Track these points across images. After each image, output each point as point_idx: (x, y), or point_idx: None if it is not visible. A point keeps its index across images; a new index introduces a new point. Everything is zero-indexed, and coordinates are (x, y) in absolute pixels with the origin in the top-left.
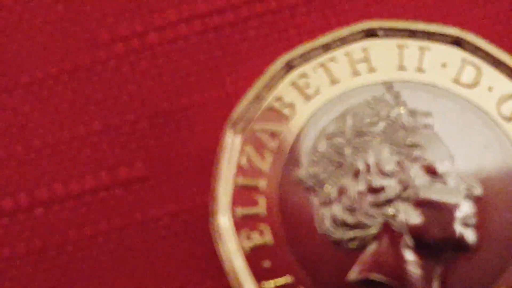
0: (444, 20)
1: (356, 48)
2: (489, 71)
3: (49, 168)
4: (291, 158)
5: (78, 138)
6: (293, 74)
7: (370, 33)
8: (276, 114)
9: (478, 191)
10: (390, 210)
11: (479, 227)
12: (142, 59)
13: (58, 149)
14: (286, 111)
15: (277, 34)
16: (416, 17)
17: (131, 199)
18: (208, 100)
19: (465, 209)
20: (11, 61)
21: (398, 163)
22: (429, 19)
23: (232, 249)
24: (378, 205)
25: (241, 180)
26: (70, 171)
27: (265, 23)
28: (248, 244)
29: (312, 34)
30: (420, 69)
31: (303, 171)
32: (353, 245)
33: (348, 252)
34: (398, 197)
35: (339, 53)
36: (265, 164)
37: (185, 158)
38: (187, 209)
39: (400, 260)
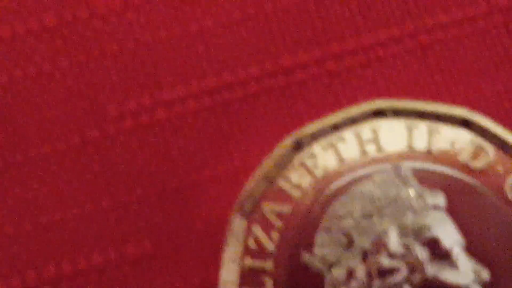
0: (453, 98)
1: (365, 128)
2: (497, 154)
3: (57, 245)
4: (299, 240)
5: (86, 215)
6: (302, 154)
7: (379, 113)
8: (284, 195)
9: (485, 275)
10: None
11: None
12: (150, 134)
13: (66, 226)
14: (293, 191)
15: (286, 110)
16: (424, 95)
17: (138, 277)
18: (216, 176)
19: None
20: (20, 136)
21: (406, 245)
22: (437, 97)
23: None
24: None
25: (248, 262)
26: (78, 248)
27: (274, 99)
28: None
29: (320, 110)
30: (428, 151)
31: (311, 254)
32: None
33: None
34: (406, 281)
35: (347, 132)
36: (272, 245)
37: (193, 235)
38: None
39: None
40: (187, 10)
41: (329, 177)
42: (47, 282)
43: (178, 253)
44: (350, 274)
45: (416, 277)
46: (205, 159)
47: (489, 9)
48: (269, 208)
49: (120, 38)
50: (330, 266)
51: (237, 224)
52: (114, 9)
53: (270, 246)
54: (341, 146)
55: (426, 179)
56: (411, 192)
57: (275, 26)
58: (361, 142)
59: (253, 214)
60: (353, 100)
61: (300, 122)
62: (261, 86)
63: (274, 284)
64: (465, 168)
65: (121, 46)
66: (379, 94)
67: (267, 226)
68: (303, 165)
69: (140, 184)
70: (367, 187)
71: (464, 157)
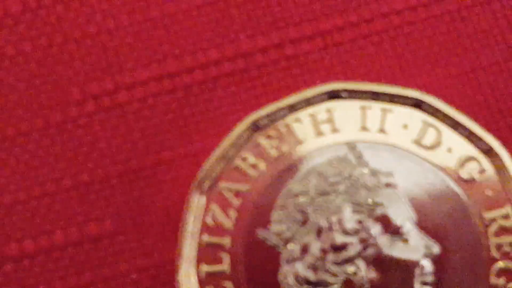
0: (407, 82)
1: (320, 109)
2: (448, 133)
3: (19, 224)
4: (255, 217)
5: (48, 195)
6: (259, 135)
7: (334, 95)
8: (241, 174)
9: (436, 249)
10: (351, 268)
11: (436, 286)
12: (112, 117)
13: (29, 206)
14: (250, 171)
15: (245, 93)
16: (379, 78)
17: (100, 255)
18: (176, 157)
19: (424, 267)
20: None
21: (360, 221)
22: (392, 81)
23: None
24: (340, 263)
25: (206, 238)
26: (40, 227)
27: (233, 83)
28: None
29: (278, 94)
30: (382, 131)
31: (267, 230)
32: None
33: None
34: (359, 255)
35: (303, 114)
36: (229, 222)
37: (153, 214)
38: (155, 265)
39: None
40: None
41: (284, 157)
42: (9, 260)
43: (139, 231)
44: (305, 249)
45: (369, 252)
46: (166, 140)
47: None
48: (226, 186)
49: (83, 23)
50: (286, 242)
51: (196, 201)
52: None
53: (227, 223)
54: (296, 127)
55: (379, 158)
56: (365, 171)
57: (235, 11)
58: (316, 123)
59: (211, 192)
60: (310, 83)
61: (258, 105)
62: (220, 70)
63: (231, 260)
64: (417, 146)
65: (83, 31)
66: (336, 78)
67: (225, 204)
68: (259, 145)
69: (101, 164)
70: (322, 165)
71: (416, 136)
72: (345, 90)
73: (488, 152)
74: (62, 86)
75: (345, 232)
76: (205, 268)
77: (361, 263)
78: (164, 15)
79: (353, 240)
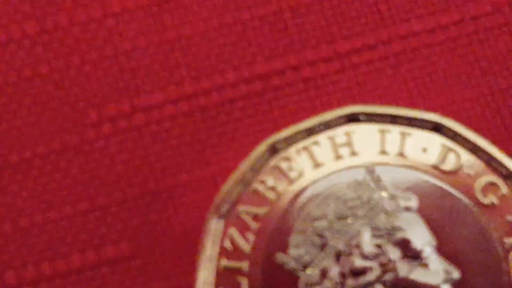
0: (425, 105)
1: (339, 132)
2: (468, 157)
3: (37, 247)
4: (274, 241)
5: (65, 218)
6: (277, 158)
7: (353, 118)
8: (259, 197)
9: (456, 275)
10: None
11: None
12: (129, 139)
13: (46, 229)
14: (269, 194)
15: (262, 115)
16: (397, 101)
17: (117, 279)
18: (193, 180)
19: None
20: (0, 141)
21: (379, 246)
22: (411, 104)
23: None
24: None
25: (224, 262)
26: (57, 250)
27: (250, 105)
28: None
29: (295, 116)
30: (401, 154)
31: (286, 254)
32: None
33: None
34: (379, 280)
35: (322, 137)
36: (247, 246)
37: (170, 238)
38: None
39: None
40: (165, 18)
41: (303, 180)
42: (26, 283)
43: (156, 255)
44: (324, 274)
45: (388, 277)
46: (183, 163)
47: (461, 17)
48: (245, 210)
49: (100, 46)
50: (305, 266)
51: (214, 225)
52: (94, 17)
53: (246, 247)
54: (315, 150)
55: (399, 182)
56: (384, 194)
57: (252, 34)
58: (335, 146)
59: (229, 216)
60: (328, 106)
61: (276, 127)
62: (237, 92)
63: (250, 284)
64: (437, 170)
65: (100, 53)
66: (354, 100)
67: (243, 228)
68: (278, 168)
69: (118, 187)
70: (341, 189)
71: (435, 160)
72: (364, 113)
73: (508, 176)
74: (79, 108)
75: (364, 257)
76: None
77: None
78: (181, 37)
79: (372, 264)
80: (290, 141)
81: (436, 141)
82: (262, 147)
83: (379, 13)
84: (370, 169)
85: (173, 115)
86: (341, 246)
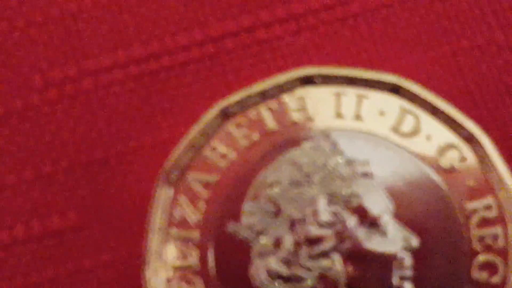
0: (384, 66)
1: (293, 96)
2: (427, 119)
3: None
4: (226, 209)
5: (8, 187)
6: (229, 123)
7: (307, 80)
8: (210, 164)
9: (415, 242)
10: (326, 262)
11: (415, 280)
12: (76, 104)
13: None
14: (220, 161)
15: (215, 79)
16: (355, 63)
17: (63, 249)
18: (143, 147)
19: (402, 261)
20: None
21: (335, 213)
22: (369, 65)
23: None
24: (314, 257)
25: (174, 232)
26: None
27: (202, 68)
28: None
29: (250, 80)
30: (358, 118)
31: (238, 222)
32: None
33: None
34: (335, 249)
35: (275, 101)
36: (198, 215)
37: (119, 207)
38: (121, 260)
39: None
40: None
41: (256, 147)
42: None
43: (105, 224)
44: (278, 243)
45: (345, 246)
46: (132, 129)
47: None
48: (195, 177)
49: (44, 7)
50: (257, 235)
51: (163, 193)
52: None
53: (196, 216)
54: (268, 115)
55: (355, 147)
56: (340, 160)
57: None
58: (289, 111)
59: (179, 184)
60: (284, 69)
61: (229, 92)
62: (189, 55)
63: (201, 254)
64: (395, 134)
65: (45, 14)
66: (310, 63)
67: (193, 196)
68: (230, 134)
69: (65, 155)
70: (295, 155)
71: (393, 123)
72: (319, 76)
73: (469, 139)
74: (23, 72)
75: (320, 225)
76: (173, 263)
77: (336, 257)
78: None
79: (328, 232)
80: (243, 105)
81: (394, 103)
82: (213, 112)
83: None
84: (325, 134)
85: (122, 79)
86: (295, 213)
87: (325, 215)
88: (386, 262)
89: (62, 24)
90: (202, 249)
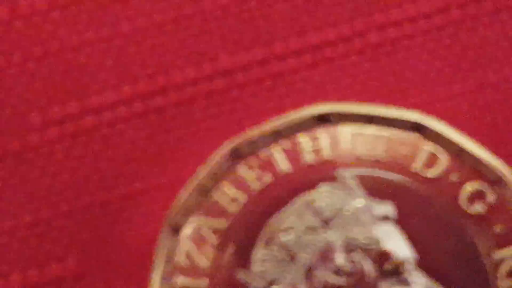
0: (405, 102)
1: (308, 135)
2: (452, 161)
3: None
4: (236, 256)
5: (5, 233)
6: (239, 165)
7: (323, 118)
8: (219, 209)
9: None
10: None
11: None
12: (77, 144)
13: None
14: (230, 205)
15: (225, 116)
16: (374, 99)
17: None
18: (148, 189)
19: None
20: None
21: (353, 260)
22: (389, 101)
23: None
24: None
25: (181, 280)
26: None
27: (212, 104)
28: None
29: (262, 117)
30: (377, 159)
31: (249, 271)
32: None
33: None
34: None
35: (289, 141)
36: (206, 262)
37: (122, 253)
38: None
39: None
40: (117, 9)
41: (268, 190)
42: None
43: (106, 272)
44: None
45: None
46: (137, 170)
47: (445, 3)
48: (203, 222)
49: (44, 40)
50: (270, 284)
51: (168, 239)
52: (38, 8)
53: (204, 263)
54: (281, 156)
55: (374, 189)
56: (358, 203)
57: (213, 25)
58: (303, 151)
59: (185, 230)
60: (298, 104)
61: (240, 129)
62: (197, 90)
63: None
64: (417, 176)
65: (45, 48)
66: (327, 98)
67: (201, 242)
68: (240, 176)
69: (64, 198)
70: (310, 199)
71: (416, 164)
72: (336, 113)
73: (497, 182)
74: (21, 110)
75: (337, 272)
76: None
77: None
78: (135, 30)
79: (346, 281)
80: (254, 145)
81: (417, 143)
82: (222, 152)
83: (354, 1)
84: (341, 175)
85: (126, 116)
86: (311, 260)
87: (342, 262)
88: None
89: (62, 58)
90: None
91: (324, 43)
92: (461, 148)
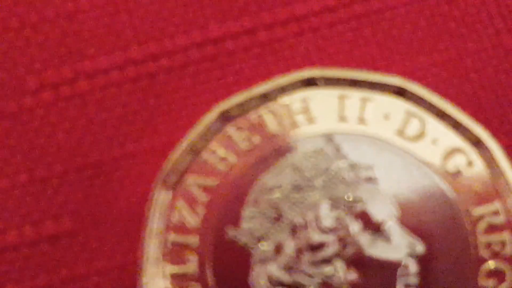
0: (389, 69)
1: (295, 98)
2: (433, 123)
3: None
4: (225, 214)
5: (1, 191)
6: (229, 126)
7: (310, 82)
8: (209, 168)
9: (420, 248)
10: (328, 269)
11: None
12: (71, 107)
13: None
14: (220, 164)
15: (215, 81)
16: (359, 66)
17: (57, 256)
18: (140, 151)
19: (407, 267)
20: None
21: (338, 219)
22: (373, 68)
23: None
24: (316, 263)
25: (172, 237)
26: None
27: (202, 70)
28: None
29: (250, 82)
30: (362, 121)
31: (238, 228)
32: None
33: None
34: (338, 255)
35: (277, 103)
36: (197, 220)
37: (115, 212)
38: (117, 267)
39: None
40: None
41: (256, 150)
42: None
43: (100, 230)
44: (279, 248)
45: (348, 252)
46: (129, 132)
47: None
48: (194, 181)
49: (40, 7)
50: (258, 240)
51: (160, 198)
52: None
53: (195, 220)
54: (269, 117)
55: (359, 150)
56: (343, 164)
57: None
58: (291, 113)
59: (177, 188)
60: (285, 71)
61: (229, 94)
62: (188, 57)
63: (199, 260)
64: (400, 137)
65: (40, 15)
66: (313, 65)
67: (192, 200)
68: (230, 137)
69: (59, 159)
70: (297, 158)
71: (398, 126)
72: (322, 78)
73: (476, 143)
74: (17, 74)
75: (322, 230)
76: (171, 269)
77: (339, 264)
78: None
79: (330, 238)
80: (243, 108)
81: (399, 106)
82: (212, 114)
83: None
84: (328, 137)
85: (119, 81)
86: (297, 218)
87: (327, 221)
88: (390, 269)
89: (57, 25)
90: (200, 255)
91: (310, 12)
92: (441, 110)
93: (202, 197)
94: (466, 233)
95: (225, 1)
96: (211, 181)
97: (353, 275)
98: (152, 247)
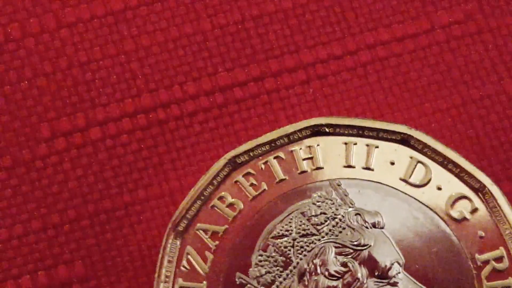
0: (394, 115)
1: (302, 145)
2: (438, 170)
3: None
4: (234, 260)
5: (16, 238)
6: (237, 173)
7: (317, 130)
8: (218, 214)
9: None
10: None
11: None
12: (83, 154)
13: None
14: (228, 211)
15: (223, 129)
16: (365, 113)
17: None
18: (151, 197)
19: None
20: None
21: (345, 264)
22: (378, 115)
23: None
24: None
25: (181, 283)
26: (6, 273)
27: (211, 118)
28: None
29: (259, 129)
30: (368, 168)
31: (246, 274)
32: None
33: None
34: None
35: (284, 151)
36: (205, 266)
37: (127, 257)
38: None
39: None
40: (122, 28)
41: (264, 196)
42: None
43: (111, 275)
44: None
45: None
46: (140, 179)
47: (431, 25)
48: (203, 227)
49: (53, 57)
50: (266, 286)
51: (170, 244)
52: (47, 27)
53: (203, 267)
54: (277, 164)
55: (365, 196)
56: (350, 210)
57: (213, 44)
58: (298, 160)
59: (186, 234)
60: (293, 118)
61: (238, 141)
62: (197, 105)
63: None
64: (405, 184)
65: (54, 65)
66: (320, 113)
67: (201, 246)
68: (238, 183)
69: (72, 205)
70: (304, 205)
71: (403, 173)
72: (328, 125)
73: (480, 190)
74: (31, 123)
75: (330, 276)
76: None
77: None
78: (138, 48)
79: (338, 284)
80: (251, 155)
81: (404, 153)
82: (221, 162)
83: (345, 22)
84: (335, 184)
85: (130, 129)
86: (305, 264)
87: (334, 266)
88: None
89: (70, 74)
90: None
91: (317, 60)
92: (445, 157)
93: (211, 243)
94: (471, 278)
95: (233, 49)
96: (219, 228)
97: None
98: None
